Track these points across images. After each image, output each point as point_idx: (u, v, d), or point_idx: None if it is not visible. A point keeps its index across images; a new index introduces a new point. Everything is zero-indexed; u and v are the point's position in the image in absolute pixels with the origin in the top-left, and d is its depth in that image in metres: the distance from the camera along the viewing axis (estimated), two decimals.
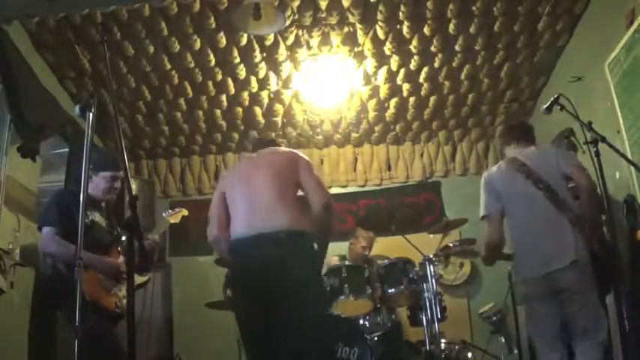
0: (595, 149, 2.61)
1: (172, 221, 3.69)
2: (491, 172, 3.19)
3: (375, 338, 3.68)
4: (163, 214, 3.74)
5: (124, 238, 2.51)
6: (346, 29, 4.30)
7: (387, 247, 4.53)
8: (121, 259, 3.05)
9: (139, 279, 3.24)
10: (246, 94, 4.88)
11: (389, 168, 5.70)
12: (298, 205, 2.64)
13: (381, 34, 4.34)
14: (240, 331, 2.62)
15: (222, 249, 2.74)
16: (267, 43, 4.35)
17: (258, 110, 5.06)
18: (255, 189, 2.63)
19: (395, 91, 4.97)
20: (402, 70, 4.72)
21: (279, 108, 5.04)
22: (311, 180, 2.69)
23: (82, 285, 1.96)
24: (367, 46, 4.45)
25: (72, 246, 2.68)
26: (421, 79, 4.82)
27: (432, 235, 4.30)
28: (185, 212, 3.77)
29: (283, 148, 2.97)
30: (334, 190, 5.69)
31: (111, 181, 3.11)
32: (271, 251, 2.47)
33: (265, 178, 2.64)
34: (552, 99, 2.80)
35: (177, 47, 4.28)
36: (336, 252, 4.67)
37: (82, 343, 2.44)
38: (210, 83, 4.72)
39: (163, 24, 4.10)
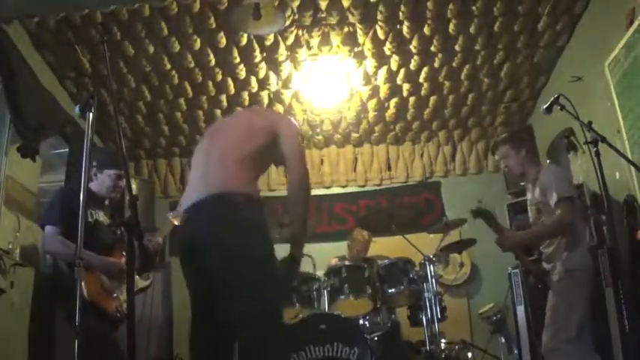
0: (595, 149, 2.61)
1: (177, 223, 3.62)
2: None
3: (375, 338, 3.68)
4: (168, 215, 3.67)
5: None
6: (346, 29, 4.30)
7: (387, 247, 4.54)
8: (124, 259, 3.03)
9: (140, 283, 3.23)
10: (246, 94, 4.88)
11: (389, 168, 5.70)
12: (250, 170, 2.28)
13: (381, 34, 4.34)
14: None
15: None
16: (267, 43, 4.35)
17: None
18: (208, 156, 2.32)
19: (395, 91, 4.97)
20: (402, 70, 4.73)
21: (279, 108, 5.04)
22: (291, 149, 2.30)
23: (82, 285, 1.96)
24: (367, 46, 4.45)
25: (74, 245, 2.65)
26: (421, 79, 4.82)
27: (432, 235, 4.30)
28: None
29: (263, 109, 2.56)
30: (334, 190, 5.70)
31: (115, 180, 3.10)
32: (200, 220, 2.19)
33: (222, 144, 2.31)
34: (552, 99, 2.79)
35: (177, 47, 4.29)
36: (336, 252, 4.68)
37: (80, 344, 2.44)
38: (210, 83, 4.72)
39: (163, 24, 4.10)
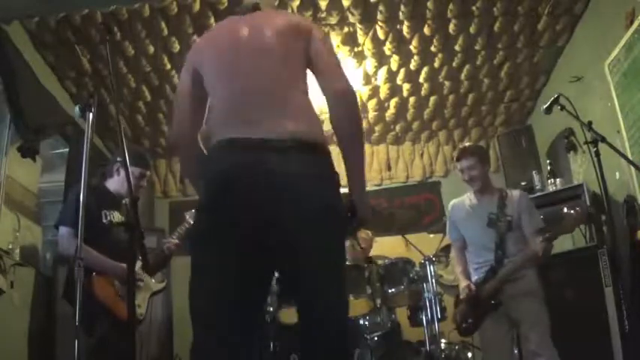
0: (595, 149, 2.61)
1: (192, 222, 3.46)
2: None
3: (375, 338, 3.68)
4: (186, 215, 3.43)
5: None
6: (346, 29, 4.30)
7: (387, 247, 4.54)
8: (138, 263, 2.79)
9: (155, 286, 3.17)
10: None
11: (389, 168, 5.70)
12: (308, 101, 1.73)
13: (381, 34, 4.34)
14: (194, 298, 1.57)
15: (187, 157, 1.81)
16: None
17: None
18: (246, 71, 1.69)
19: (395, 91, 4.97)
20: (402, 70, 4.73)
21: None
22: (326, 56, 1.75)
23: (81, 285, 1.96)
24: (367, 46, 4.45)
25: (87, 248, 2.48)
26: (421, 79, 4.82)
27: (432, 235, 4.31)
28: None
29: (284, 12, 1.92)
30: None
31: (139, 178, 2.97)
32: (274, 167, 1.54)
33: (261, 54, 1.71)
34: (552, 99, 2.80)
35: (177, 47, 4.28)
36: None
37: (93, 349, 2.42)
38: None
39: (163, 24, 4.10)
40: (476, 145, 3.55)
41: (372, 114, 5.24)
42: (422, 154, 5.70)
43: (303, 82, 1.74)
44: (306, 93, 1.74)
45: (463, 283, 3.19)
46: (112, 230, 2.83)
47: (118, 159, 2.97)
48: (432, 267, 3.78)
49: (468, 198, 3.32)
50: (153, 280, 3.16)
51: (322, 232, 1.56)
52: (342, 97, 1.71)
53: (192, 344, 1.55)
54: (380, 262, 4.08)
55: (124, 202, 3.03)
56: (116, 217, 2.94)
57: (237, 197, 1.54)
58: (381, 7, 4.12)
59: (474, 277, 3.18)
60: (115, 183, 2.99)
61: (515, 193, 3.26)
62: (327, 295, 1.55)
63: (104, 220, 2.85)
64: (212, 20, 4.09)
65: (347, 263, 3.94)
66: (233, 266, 1.54)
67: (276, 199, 1.52)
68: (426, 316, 3.70)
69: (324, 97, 1.73)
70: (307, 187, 1.56)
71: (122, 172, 2.94)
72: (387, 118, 5.31)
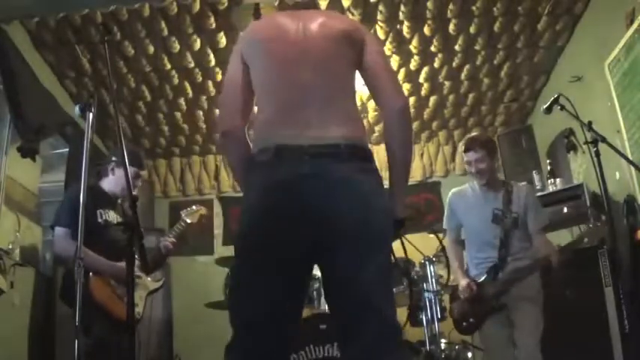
0: (595, 149, 2.61)
1: (189, 221, 3.41)
2: None
3: None
4: (182, 213, 3.45)
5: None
6: None
7: None
8: (135, 262, 2.85)
9: (151, 285, 3.17)
10: None
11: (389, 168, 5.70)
12: (356, 108, 1.78)
13: (381, 34, 4.34)
14: (239, 300, 1.58)
15: (236, 153, 1.73)
16: None
17: None
18: (299, 71, 1.65)
19: None
20: (402, 70, 4.73)
21: None
22: (383, 66, 1.77)
23: (81, 285, 1.96)
24: None
25: (88, 252, 2.47)
26: (421, 79, 4.82)
27: (432, 235, 4.29)
28: (203, 211, 3.53)
29: (336, 14, 1.99)
30: None
31: (134, 178, 2.94)
32: (334, 173, 1.53)
33: (313, 59, 1.66)
34: (552, 99, 2.79)
35: (177, 47, 4.29)
36: None
37: (91, 350, 2.42)
38: (210, 83, 4.72)
39: (163, 24, 4.10)
40: (485, 137, 3.36)
41: (372, 114, 5.24)
42: (422, 155, 5.70)
43: (352, 87, 1.74)
44: (354, 98, 1.76)
45: (463, 282, 3.12)
46: (107, 229, 2.83)
47: (113, 159, 2.99)
48: (432, 267, 3.77)
49: (471, 188, 3.22)
50: (149, 279, 3.16)
51: (379, 236, 1.57)
52: (401, 115, 1.72)
53: (230, 343, 1.54)
54: None
55: (119, 201, 3.05)
56: (111, 216, 2.95)
57: (296, 202, 1.52)
58: (381, 7, 4.12)
59: (473, 273, 3.14)
60: (110, 182, 3.00)
61: (521, 188, 3.14)
62: (382, 305, 1.60)
63: (100, 220, 2.86)
64: (212, 20, 4.10)
65: None
66: (285, 272, 1.54)
67: (336, 204, 1.51)
68: (426, 316, 3.70)
69: (381, 109, 1.76)
70: (364, 192, 1.56)
71: (117, 172, 2.96)
72: None
